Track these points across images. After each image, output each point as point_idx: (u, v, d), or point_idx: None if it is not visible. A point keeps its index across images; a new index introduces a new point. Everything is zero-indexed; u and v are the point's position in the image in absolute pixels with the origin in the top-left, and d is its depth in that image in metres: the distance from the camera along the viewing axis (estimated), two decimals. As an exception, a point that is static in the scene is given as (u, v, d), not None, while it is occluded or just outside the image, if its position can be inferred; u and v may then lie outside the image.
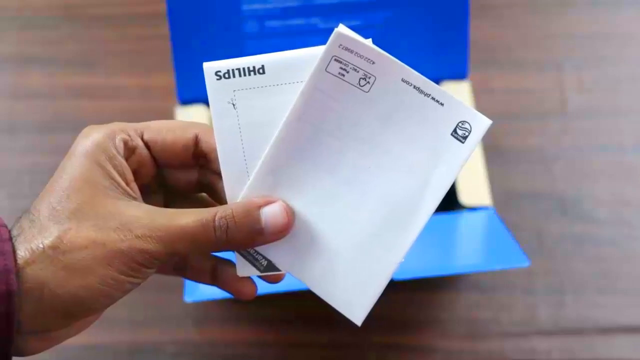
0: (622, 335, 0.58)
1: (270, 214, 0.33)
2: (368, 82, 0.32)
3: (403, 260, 0.34)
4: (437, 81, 0.61)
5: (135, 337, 0.58)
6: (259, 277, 0.36)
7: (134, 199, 0.33)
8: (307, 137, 0.33)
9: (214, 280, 0.37)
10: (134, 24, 0.73)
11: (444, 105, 0.32)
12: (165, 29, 0.59)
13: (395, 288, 0.55)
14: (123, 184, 0.33)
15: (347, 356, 0.58)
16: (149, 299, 0.59)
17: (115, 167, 0.33)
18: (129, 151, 0.34)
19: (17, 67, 0.71)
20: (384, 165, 0.33)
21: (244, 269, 0.35)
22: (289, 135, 0.33)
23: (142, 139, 0.35)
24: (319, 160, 0.33)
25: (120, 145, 0.33)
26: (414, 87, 0.32)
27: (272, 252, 0.34)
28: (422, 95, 0.32)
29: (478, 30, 0.66)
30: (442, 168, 0.33)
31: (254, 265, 0.35)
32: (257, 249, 0.34)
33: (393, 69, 0.32)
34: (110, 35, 0.72)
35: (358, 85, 0.32)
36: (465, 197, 0.57)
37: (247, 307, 0.59)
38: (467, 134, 0.32)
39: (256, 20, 0.59)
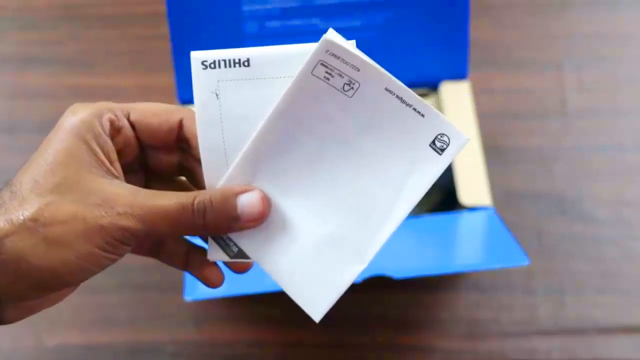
0: (622, 335, 0.58)
1: (247, 201, 0.34)
2: (352, 87, 0.32)
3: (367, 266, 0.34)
4: (437, 81, 0.61)
5: (135, 337, 0.58)
6: (226, 265, 0.38)
7: (116, 178, 0.34)
8: (288, 134, 0.33)
9: (185, 266, 0.38)
10: (134, 24, 0.73)
11: (425, 116, 0.32)
12: (165, 29, 0.59)
13: (395, 288, 0.55)
14: (107, 162, 0.33)
15: (347, 356, 0.58)
16: (149, 299, 0.59)
17: (100, 145, 0.33)
18: (115, 131, 0.34)
19: (17, 67, 0.71)
20: (360, 169, 0.34)
21: (215, 253, 0.36)
22: (271, 131, 0.33)
23: (128, 119, 0.35)
24: (298, 159, 0.34)
25: (107, 125, 0.34)
26: (397, 96, 0.32)
27: (245, 240, 0.35)
28: (404, 105, 0.32)
29: (478, 30, 0.66)
30: (417, 177, 0.33)
31: (225, 251, 0.36)
32: (231, 236, 0.35)
33: (377, 78, 0.32)
34: (110, 35, 0.72)
35: (342, 90, 0.32)
36: (465, 197, 0.57)
37: (247, 307, 0.59)
38: (445, 146, 0.33)
39: (256, 21, 0.59)
